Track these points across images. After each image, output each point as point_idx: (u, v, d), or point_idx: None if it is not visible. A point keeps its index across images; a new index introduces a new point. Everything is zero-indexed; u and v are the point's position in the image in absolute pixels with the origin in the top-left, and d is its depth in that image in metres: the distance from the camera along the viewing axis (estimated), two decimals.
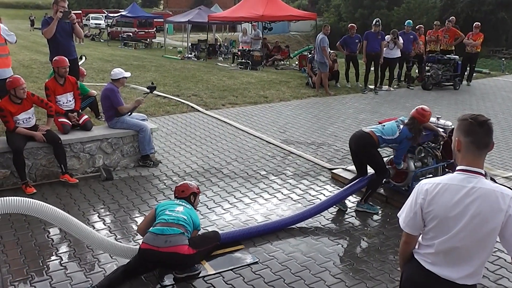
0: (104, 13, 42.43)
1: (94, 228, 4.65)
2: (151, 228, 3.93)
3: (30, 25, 41.75)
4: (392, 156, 5.58)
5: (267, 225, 4.67)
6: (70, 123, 6.27)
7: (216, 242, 4.22)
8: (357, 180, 5.22)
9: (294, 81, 14.06)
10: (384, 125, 5.19)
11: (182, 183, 4.44)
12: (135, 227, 4.70)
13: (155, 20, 35.21)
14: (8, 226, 4.68)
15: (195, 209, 4.29)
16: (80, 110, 6.70)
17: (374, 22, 12.35)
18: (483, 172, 2.20)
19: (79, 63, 8.07)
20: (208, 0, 55.02)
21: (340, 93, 12.51)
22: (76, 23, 7.20)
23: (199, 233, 4.23)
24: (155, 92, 11.21)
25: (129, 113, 6.62)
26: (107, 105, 6.49)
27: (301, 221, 4.82)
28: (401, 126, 5.07)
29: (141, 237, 4.28)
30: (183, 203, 4.14)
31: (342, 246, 4.50)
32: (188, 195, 4.27)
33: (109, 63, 17.42)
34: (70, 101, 6.48)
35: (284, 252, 4.33)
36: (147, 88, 7.19)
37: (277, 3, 19.09)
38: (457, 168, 2.24)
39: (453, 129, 4.75)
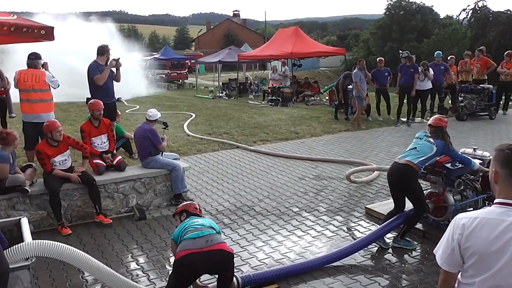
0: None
1: (127, 268, 4.68)
2: (184, 237, 3.70)
3: None
4: (430, 189, 5.45)
5: (302, 265, 4.54)
6: (105, 164, 6.41)
7: None
8: (395, 217, 5.07)
9: (324, 116, 14.05)
10: (415, 148, 5.14)
11: None
12: (168, 267, 4.68)
13: (186, 61, 36.19)
14: (44, 267, 4.74)
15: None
16: (114, 151, 6.85)
17: (402, 55, 12.35)
18: None
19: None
20: (238, 39, 56.45)
21: (372, 126, 12.41)
22: (119, 68, 7.52)
23: None
24: (187, 131, 11.45)
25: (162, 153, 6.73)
26: (144, 145, 6.60)
27: (338, 260, 4.68)
28: (431, 140, 5.08)
29: None
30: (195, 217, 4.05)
31: (379, 284, 4.33)
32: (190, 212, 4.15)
33: (142, 104, 17.88)
34: (104, 142, 6.64)
35: None
36: (163, 125, 7.31)
37: (305, 40, 19.38)
38: (495, 201, 2.14)
39: (490, 160, 4.61)
